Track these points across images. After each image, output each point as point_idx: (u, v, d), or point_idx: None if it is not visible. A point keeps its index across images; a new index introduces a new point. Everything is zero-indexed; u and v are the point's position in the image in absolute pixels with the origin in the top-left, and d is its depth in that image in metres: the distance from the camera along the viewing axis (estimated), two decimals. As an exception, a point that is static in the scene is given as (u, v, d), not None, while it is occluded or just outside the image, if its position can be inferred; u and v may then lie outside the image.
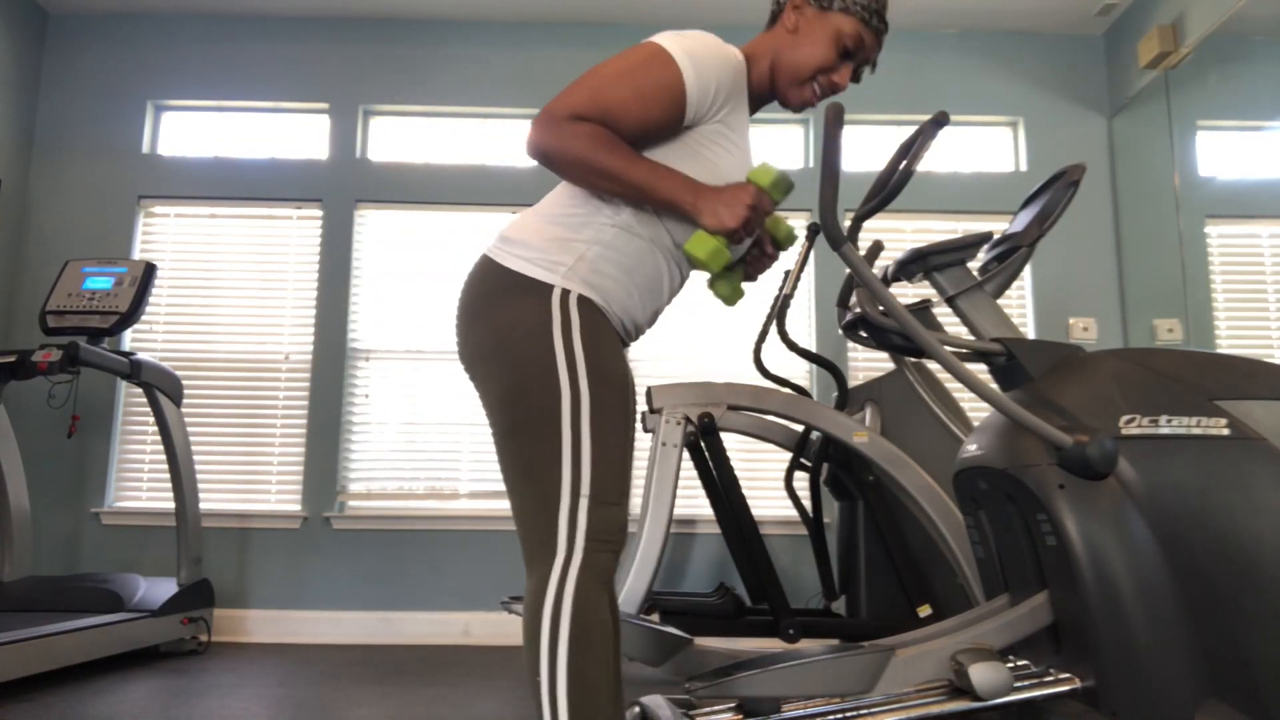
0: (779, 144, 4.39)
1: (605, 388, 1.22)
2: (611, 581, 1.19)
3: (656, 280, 1.34)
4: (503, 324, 1.24)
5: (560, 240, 1.28)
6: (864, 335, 2.17)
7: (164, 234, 4.20)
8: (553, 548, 1.17)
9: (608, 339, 1.26)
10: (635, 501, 3.95)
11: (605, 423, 1.21)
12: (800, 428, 3.27)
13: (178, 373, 3.66)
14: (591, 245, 1.28)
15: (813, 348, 4.15)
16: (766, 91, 1.40)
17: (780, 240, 1.42)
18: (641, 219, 1.30)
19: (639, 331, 1.38)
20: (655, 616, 3.05)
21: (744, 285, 1.43)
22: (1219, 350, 3.67)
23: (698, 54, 1.25)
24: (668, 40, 1.26)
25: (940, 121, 1.57)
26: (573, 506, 1.17)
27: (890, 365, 4.03)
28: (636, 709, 1.84)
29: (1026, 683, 1.68)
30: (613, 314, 1.30)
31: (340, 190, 4.21)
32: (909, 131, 4.42)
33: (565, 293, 1.25)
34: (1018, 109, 4.37)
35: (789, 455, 3.80)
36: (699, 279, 4.15)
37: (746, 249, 1.42)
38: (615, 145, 1.21)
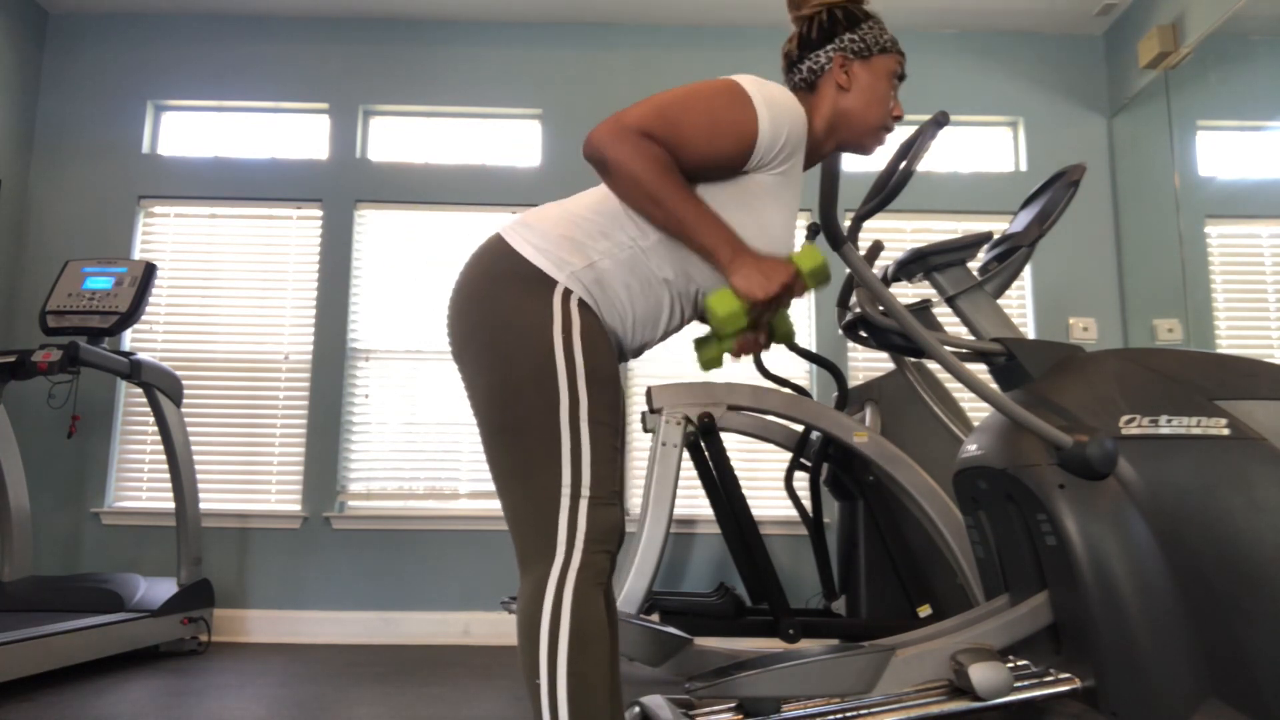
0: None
1: (601, 389, 1.21)
2: (608, 583, 1.19)
3: (655, 314, 1.32)
4: (501, 313, 1.22)
5: (575, 241, 1.26)
6: (864, 335, 2.17)
7: (164, 234, 4.20)
8: (551, 549, 1.16)
9: (603, 340, 1.25)
10: (634, 502, 3.95)
11: (602, 423, 1.21)
12: (800, 428, 3.27)
13: (178, 373, 3.66)
14: (604, 258, 1.26)
15: (813, 348, 4.15)
16: (818, 150, 1.42)
17: (778, 335, 1.37)
18: (663, 251, 1.27)
19: (621, 358, 1.36)
20: (655, 616, 3.05)
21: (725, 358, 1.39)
22: (1219, 350, 3.67)
23: (774, 100, 1.24)
24: (748, 83, 1.25)
25: (940, 121, 1.57)
26: (573, 508, 1.17)
27: (890, 365, 4.03)
28: (636, 709, 1.84)
29: (1026, 683, 1.68)
30: (604, 324, 1.29)
31: (340, 190, 4.21)
32: (909, 131, 4.42)
33: (567, 292, 1.23)
34: (1018, 109, 4.36)
35: (789, 455, 3.80)
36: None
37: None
38: (675, 175, 1.19)
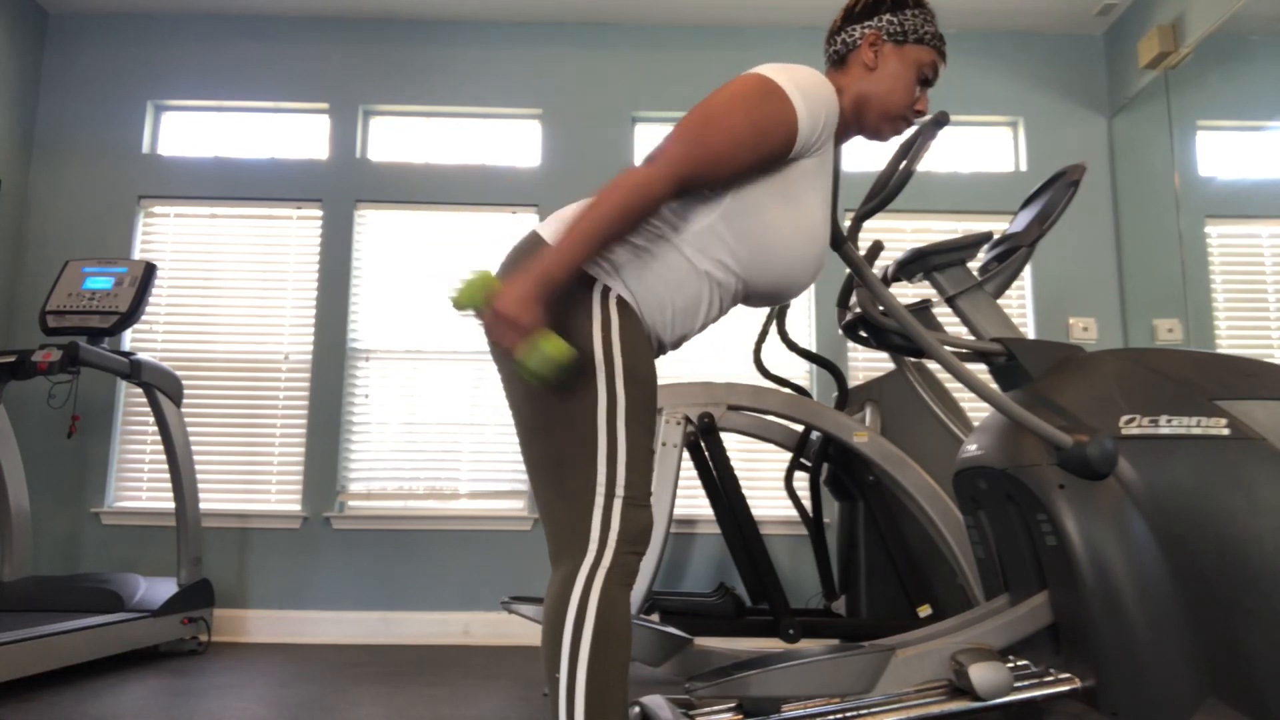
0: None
1: (639, 389, 1.21)
2: (633, 584, 1.19)
3: (694, 305, 1.31)
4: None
5: None
6: (864, 335, 2.17)
7: (164, 234, 4.20)
8: (584, 545, 1.16)
9: (642, 340, 1.25)
10: (635, 501, 3.94)
11: (638, 424, 1.21)
12: (800, 428, 3.27)
13: (178, 373, 3.66)
14: (641, 251, 1.26)
15: (813, 348, 4.15)
16: (846, 130, 1.41)
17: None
18: (698, 243, 1.27)
19: (660, 350, 1.36)
20: (655, 616, 3.05)
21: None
22: (1219, 350, 3.67)
23: (807, 87, 1.24)
24: (776, 73, 1.24)
25: (940, 121, 1.57)
26: (607, 507, 1.17)
27: (890, 365, 4.03)
28: (637, 709, 1.84)
29: (1026, 683, 1.68)
30: (643, 322, 1.28)
31: (340, 190, 4.21)
32: (909, 131, 4.41)
33: (606, 289, 1.23)
34: (1018, 109, 4.36)
35: (789, 455, 3.80)
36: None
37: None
38: (625, 219, 1.15)
